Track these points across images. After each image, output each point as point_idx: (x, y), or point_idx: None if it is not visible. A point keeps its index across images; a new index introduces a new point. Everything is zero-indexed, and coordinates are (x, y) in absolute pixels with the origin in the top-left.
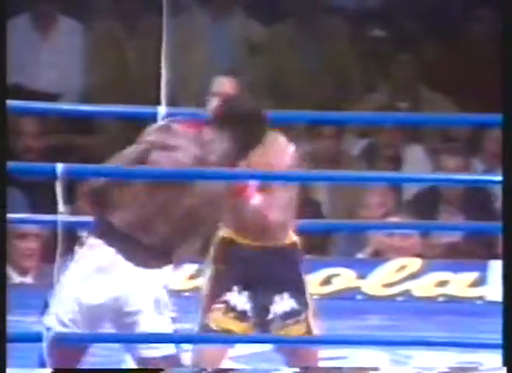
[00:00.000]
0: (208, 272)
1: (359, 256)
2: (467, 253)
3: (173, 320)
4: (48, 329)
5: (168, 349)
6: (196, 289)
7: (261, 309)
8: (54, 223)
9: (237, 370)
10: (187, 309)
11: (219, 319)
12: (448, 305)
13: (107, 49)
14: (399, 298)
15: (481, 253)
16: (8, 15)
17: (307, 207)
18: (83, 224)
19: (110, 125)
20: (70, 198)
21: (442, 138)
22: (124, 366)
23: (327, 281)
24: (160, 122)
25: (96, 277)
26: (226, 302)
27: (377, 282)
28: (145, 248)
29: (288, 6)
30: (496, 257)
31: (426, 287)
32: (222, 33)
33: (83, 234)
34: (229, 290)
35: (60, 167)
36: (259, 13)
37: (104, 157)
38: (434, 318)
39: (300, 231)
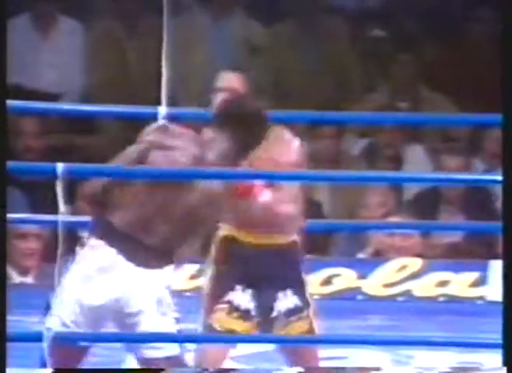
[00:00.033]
0: (210, 272)
1: (360, 256)
2: (467, 253)
3: (176, 320)
4: (49, 330)
5: (171, 349)
6: (197, 289)
7: (265, 307)
8: (54, 223)
9: (239, 370)
10: (189, 309)
11: (222, 320)
12: (449, 305)
13: (108, 49)
14: (400, 298)
15: (481, 253)
16: (8, 15)
17: (308, 207)
18: (84, 224)
19: (111, 125)
20: (70, 198)
21: (442, 138)
22: (124, 366)
23: (327, 281)
24: (159, 122)
25: (97, 278)
26: (229, 302)
27: (378, 282)
28: (146, 248)
29: (288, 6)
30: (496, 257)
31: (426, 287)
32: (222, 33)
33: (84, 234)
34: (232, 289)
35: (60, 167)
36: (259, 13)
37: (105, 157)
38: (435, 318)
39: (301, 231)
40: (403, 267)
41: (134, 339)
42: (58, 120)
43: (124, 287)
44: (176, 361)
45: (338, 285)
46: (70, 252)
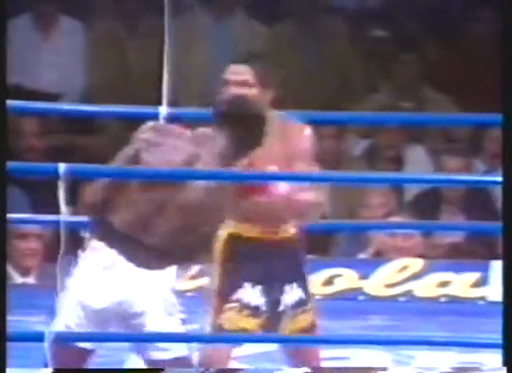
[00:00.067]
0: (217, 271)
1: (361, 256)
2: (469, 254)
3: (182, 321)
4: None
5: (178, 351)
6: (199, 289)
7: (273, 302)
8: (56, 223)
9: (240, 370)
10: (191, 309)
11: (233, 319)
12: (450, 306)
13: (109, 49)
14: (401, 299)
15: (483, 253)
16: (9, 15)
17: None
18: (85, 225)
19: (112, 125)
20: (72, 198)
21: (444, 139)
22: (125, 366)
23: (329, 282)
24: (153, 121)
25: (100, 281)
26: (239, 300)
27: (379, 282)
28: (147, 248)
29: (289, 6)
30: (497, 257)
31: (428, 287)
32: (223, 34)
33: (85, 236)
34: (241, 287)
35: (62, 167)
36: (260, 13)
37: (105, 157)
38: (436, 318)
39: (303, 231)
40: (404, 268)
41: (138, 339)
42: (59, 120)
43: (128, 288)
44: (183, 362)
45: (339, 285)
46: (71, 252)
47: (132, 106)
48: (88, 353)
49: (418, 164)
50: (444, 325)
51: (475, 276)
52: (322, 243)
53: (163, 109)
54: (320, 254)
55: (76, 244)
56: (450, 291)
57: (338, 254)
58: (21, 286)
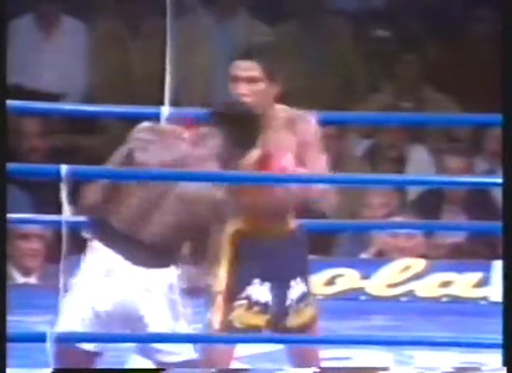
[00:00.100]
0: (224, 269)
1: (363, 256)
2: (471, 254)
3: (188, 321)
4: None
5: (188, 353)
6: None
7: (281, 297)
8: (57, 223)
9: (245, 370)
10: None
11: (242, 316)
12: (452, 306)
13: (111, 49)
14: (403, 299)
15: (485, 254)
16: (11, 15)
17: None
18: (87, 225)
19: (113, 125)
20: (74, 199)
21: (446, 139)
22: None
23: (331, 282)
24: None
25: (103, 283)
26: (248, 297)
27: (381, 282)
28: (149, 248)
29: (292, 7)
30: (500, 258)
31: (429, 287)
32: (225, 34)
33: (87, 237)
34: (250, 284)
35: (64, 169)
36: (263, 14)
37: (107, 157)
38: (438, 318)
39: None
40: (406, 268)
41: (142, 340)
42: (61, 120)
43: (131, 290)
44: (191, 365)
45: (341, 285)
46: (73, 252)
47: (134, 107)
48: (94, 355)
49: (420, 164)
50: (446, 325)
51: (477, 276)
52: (324, 243)
53: (165, 110)
54: (322, 254)
55: (78, 244)
56: (452, 291)
57: (340, 254)
58: (23, 286)
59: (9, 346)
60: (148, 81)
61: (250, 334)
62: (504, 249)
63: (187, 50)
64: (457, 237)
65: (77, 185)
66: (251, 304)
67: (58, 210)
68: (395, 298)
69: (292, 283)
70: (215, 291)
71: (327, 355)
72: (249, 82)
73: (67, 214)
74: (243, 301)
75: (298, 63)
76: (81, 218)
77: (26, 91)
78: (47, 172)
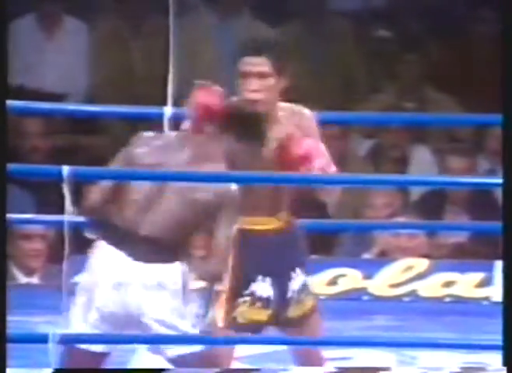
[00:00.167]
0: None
1: (366, 256)
2: (473, 254)
3: (192, 317)
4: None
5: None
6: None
7: (282, 290)
8: (60, 223)
9: (253, 370)
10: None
11: (245, 312)
12: (455, 306)
13: (113, 49)
14: (406, 299)
15: (487, 254)
16: (13, 15)
17: (313, 207)
18: (89, 225)
19: (116, 125)
20: (76, 199)
21: (449, 139)
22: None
23: (333, 282)
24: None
25: (109, 283)
26: (251, 294)
27: (384, 282)
28: (151, 243)
29: (294, 7)
30: None
31: (432, 287)
32: (228, 34)
33: (90, 237)
34: (253, 280)
35: (66, 169)
36: (265, 14)
37: (110, 157)
38: (441, 318)
39: (307, 231)
40: (409, 268)
41: (146, 341)
42: (63, 120)
43: (135, 288)
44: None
45: (343, 285)
46: (76, 253)
47: (137, 107)
48: (100, 356)
49: (423, 164)
50: (449, 325)
51: (480, 276)
52: (326, 243)
53: (168, 110)
54: (325, 254)
55: (80, 244)
56: (454, 291)
57: (343, 254)
58: (25, 286)
59: (9, 346)
60: (150, 81)
61: (253, 335)
62: (504, 249)
63: (189, 49)
64: (460, 237)
65: (79, 185)
66: (255, 300)
67: (61, 210)
68: (398, 298)
69: (293, 275)
70: (218, 289)
71: (329, 355)
72: (260, 78)
73: (69, 214)
74: (247, 298)
75: (300, 63)
76: (83, 218)
77: (29, 91)
78: (49, 172)
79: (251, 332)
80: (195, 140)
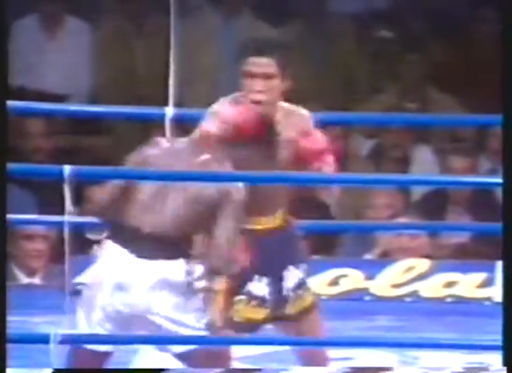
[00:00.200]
0: None
1: (367, 256)
2: (475, 254)
3: (195, 314)
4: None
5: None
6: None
7: (278, 288)
8: (62, 224)
9: (257, 370)
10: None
11: (241, 310)
12: (456, 306)
13: (115, 49)
14: (407, 299)
15: (489, 254)
16: (15, 15)
17: (315, 207)
18: (91, 225)
19: (118, 126)
20: (78, 199)
21: (450, 139)
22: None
23: (335, 282)
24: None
25: (114, 282)
26: (248, 293)
27: (385, 283)
28: (156, 242)
29: (296, 7)
30: None
31: (434, 287)
32: (230, 34)
33: (93, 238)
34: (250, 280)
35: (67, 169)
36: (267, 14)
37: (112, 158)
38: (442, 318)
39: (308, 232)
40: (410, 268)
41: (148, 342)
42: (66, 120)
43: (139, 285)
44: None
45: (345, 286)
46: (77, 253)
47: (139, 107)
48: (104, 355)
49: (424, 164)
50: (450, 325)
51: (482, 276)
52: (328, 243)
53: (170, 110)
54: (326, 254)
55: (82, 245)
56: (456, 291)
57: (344, 254)
58: (27, 287)
59: (9, 346)
60: (152, 81)
61: (251, 333)
62: (504, 249)
63: (191, 49)
64: (462, 237)
65: (81, 185)
66: (250, 298)
67: (63, 210)
68: (399, 298)
69: (288, 272)
70: (215, 289)
71: (331, 356)
72: (265, 79)
73: (70, 214)
74: (243, 297)
75: (302, 63)
76: (85, 219)
77: (31, 92)
78: (51, 172)
79: (248, 330)
80: (207, 147)
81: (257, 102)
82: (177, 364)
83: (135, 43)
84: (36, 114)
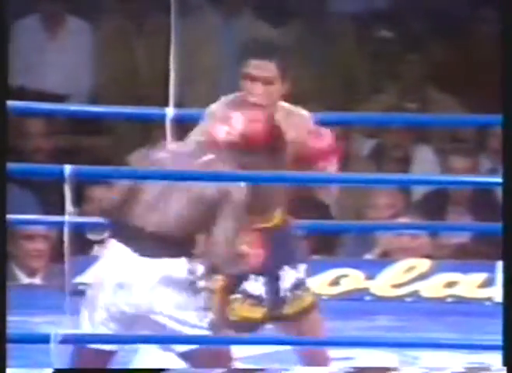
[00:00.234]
0: None
1: (368, 256)
2: (476, 254)
3: (197, 313)
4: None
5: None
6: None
7: (275, 288)
8: (62, 224)
9: (260, 370)
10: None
11: (237, 309)
12: (457, 306)
13: (116, 49)
14: (408, 299)
15: (490, 254)
16: (15, 15)
17: (316, 207)
18: (91, 225)
19: (118, 126)
20: (78, 199)
21: (451, 139)
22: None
23: (335, 282)
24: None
25: (117, 281)
26: (244, 291)
27: (386, 283)
28: (159, 240)
29: (296, 7)
30: None
31: (434, 287)
32: (230, 34)
33: (94, 239)
34: (246, 279)
35: (68, 169)
36: (268, 14)
37: (112, 158)
38: (443, 319)
39: (309, 232)
40: (411, 268)
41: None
42: (66, 121)
43: (145, 285)
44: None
45: (345, 286)
46: (78, 253)
47: (139, 107)
48: (108, 354)
49: (425, 164)
50: (451, 325)
51: (482, 276)
52: (329, 243)
53: (170, 111)
54: (327, 254)
55: (83, 245)
56: (456, 291)
57: (345, 254)
58: (28, 287)
59: (9, 346)
60: (153, 82)
61: (249, 332)
62: (504, 249)
63: (192, 49)
64: (462, 237)
65: (81, 185)
66: (246, 297)
67: (63, 210)
68: (400, 298)
69: (284, 273)
70: (213, 288)
71: (331, 355)
72: (265, 83)
73: (70, 214)
74: (238, 295)
75: (302, 63)
76: (85, 219)
77: (31, 92)
78: (51, 172)
79: (247, 330)
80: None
81: (258, 106)
82: (179, 364)
83: (135, 43)
84: (36, 114)
